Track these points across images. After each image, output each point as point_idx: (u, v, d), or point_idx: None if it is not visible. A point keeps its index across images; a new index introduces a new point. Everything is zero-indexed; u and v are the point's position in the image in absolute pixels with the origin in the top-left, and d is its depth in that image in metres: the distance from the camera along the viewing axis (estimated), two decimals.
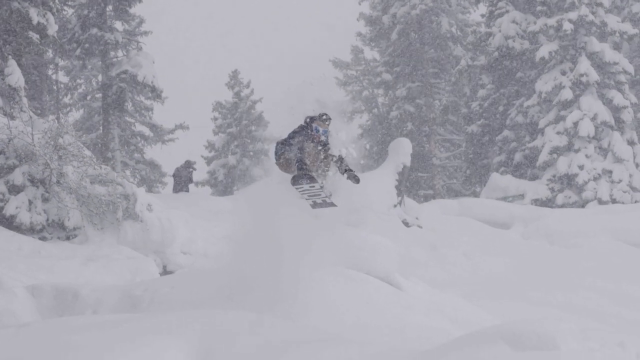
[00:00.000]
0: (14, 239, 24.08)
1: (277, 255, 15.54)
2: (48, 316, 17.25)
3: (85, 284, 18.99)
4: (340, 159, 14.63)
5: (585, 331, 11.30)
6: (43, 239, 25.65)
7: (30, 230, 25.49)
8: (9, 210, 25.36)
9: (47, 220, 25.93)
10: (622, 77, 48.00)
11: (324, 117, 14.70)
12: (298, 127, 14.68)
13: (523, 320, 12.96)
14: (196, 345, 12.05)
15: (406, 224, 35.24)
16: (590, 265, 29.94)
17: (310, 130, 14.47)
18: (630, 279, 27.12)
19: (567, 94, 46.69)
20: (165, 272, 26.47)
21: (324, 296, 15.46)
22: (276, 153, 14.62)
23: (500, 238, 34.84)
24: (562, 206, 45.25)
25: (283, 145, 14.58)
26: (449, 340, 12.52)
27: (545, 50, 47.27)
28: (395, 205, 35.77)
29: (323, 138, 14.57)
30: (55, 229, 26.09)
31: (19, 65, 28.19)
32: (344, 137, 15.05)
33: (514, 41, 49.67)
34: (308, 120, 14.73)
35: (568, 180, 46.30)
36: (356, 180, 14.62)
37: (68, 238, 26.06)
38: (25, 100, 27.93)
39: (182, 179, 38.81)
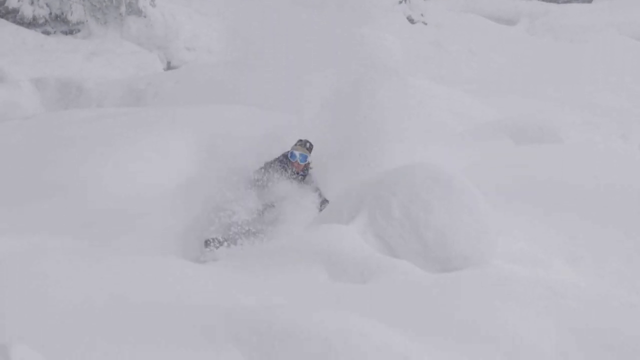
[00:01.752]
0: (17, 32, 23.86)
1: (282, 55, 15.40)
2: (52, 109, 17.29)
3: (89, 77, 18.94)
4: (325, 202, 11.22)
5: (588, 124, 11.33)
6: (46, 33, 25.41)
7: (33, 23, 25.24)
8: (12, 3, 25.08)
9: (50, 14, 25.64)
10: None
11: (303, 142, 11.51)
12: (279, 157, 11.60)
13: (527, 114, 12.99)
14: (200, 137, 12.12)
15: (411, 21, 34.79)
16: (596, 60, 29.75)
17: (287, 158, 11.42)
18: (635, 74, 27.00)
19: None
20: (169, 67, 26.33)
21: None
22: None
23: (505, 34, 34.48)
24: (569, 1, 44.50)
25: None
26: (452, 134, 12.60)
27: None
28: (400, 2, 35.21)
29: (300, 166, 11.38)
30: (58, 23, 25.81)
31: None
32: None
33: None
34: (286, 153, 11.60)
35: None
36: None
37: (71, 32, 25.83)
38: None
39: None
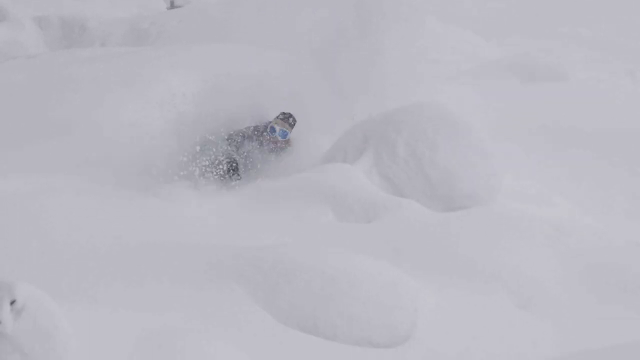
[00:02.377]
0: None
1: None
2: (55, 48, 17.19)
3: (92, 16, 18.80)
4: None
5: (595, 62, 11.24)
6: None
7: None
8: None
9: None
10: None
11: (286, 117, 10.11)
12: (254, 128, 10.25)
13: (533, 53, 12.87)
14: (203, 77, 12.05)
15: None
16: None
17: (265, 132, 10.00)
18: None
19: None
20: (172, 6, 26.11)
21: None
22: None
23: None
24: None
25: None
26: (459, 74, 12.51)
27: None
28: None
29: (279, 139, 10.03)
30: None
31: None
32: None
33: None
34: (265, 124, 10.28)
35: None
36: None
37: None
38: None
39: None
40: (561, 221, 8.48)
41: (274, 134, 9.90)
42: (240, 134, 9.90)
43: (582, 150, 9.73)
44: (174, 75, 11.70)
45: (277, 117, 10.04)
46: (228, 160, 9.54)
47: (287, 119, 10.02)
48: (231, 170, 9.52)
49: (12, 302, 4.51)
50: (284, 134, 9.94)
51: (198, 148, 9.55)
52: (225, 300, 6.86)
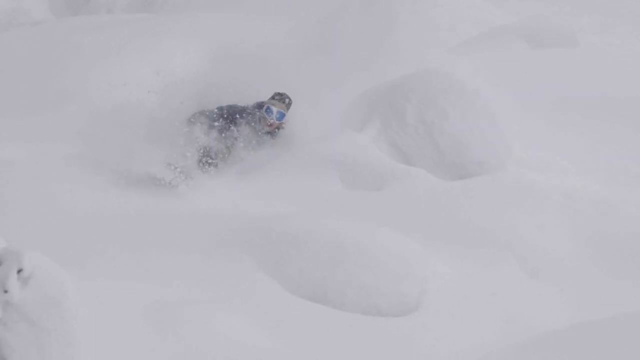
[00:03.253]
0: None
1: None
2: (61, 15, 17.10)
3: None
4: None
5: (605, 26, 11.10)
6: None
7: None
8: None
9: None
10: None
11: (282, 97, 9.41)
12: (244, 107, 9.48)
13: (543, 17, 12.73)
14: (209, 46, 11.98)
15: None
16: None
17: (260, 113, 9.30)
18: None
19: None
20: None
21: None
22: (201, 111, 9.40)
23: None
24: None
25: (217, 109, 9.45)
26: (467, 40, 12.40)
27: None
28: None
29: (274, 125, 9.33)
30: None
31: None
32: None
33: None
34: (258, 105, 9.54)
35: None
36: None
37: None
38: None
39: None
40: (572, 189, 8.41)
41: (270, 115, 9.24)
42: (235, 112, 9.25)
43: (594, 116, 9.61)
44: (178, 44, 11.61)
45: (273, 97, 9.39)
46: (201, 149, 8.95)
47: (284, 100, 9.36)
48: (205, 158, 8.92)
49: (19, 271, 4.47)
50: (281, 116, 9.30)
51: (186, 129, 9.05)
52: (233, 270, 6.84)
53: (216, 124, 9.08)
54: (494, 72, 10.65)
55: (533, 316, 7.02)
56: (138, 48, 11.38)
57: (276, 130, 9.34)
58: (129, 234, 7.13)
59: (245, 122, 9.19)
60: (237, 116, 9.18)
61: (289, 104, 9.37)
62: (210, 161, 8.92)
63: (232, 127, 9.15)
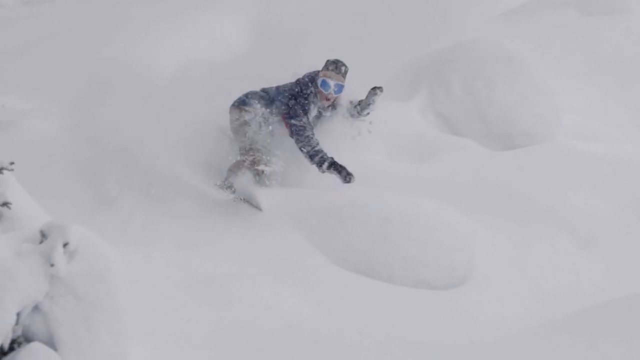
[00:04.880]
0: None
1: None
2: None
3: None
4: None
5: None
6: None
7: None
8: None
9: None
10: None
11: (338, 65, 7.84)
12: (296, 83, 7.96)
13: None
14: (253, 18, 11.94)
15: None
16: None
17: (314, 87, 7.81)
18: None
19: None
20: None
21: None
22: (242, 101, 7.91)
23: None
24: None
25: (259, 96, 7.96)
26: (513, 8, 12.19)
27: None
28: None
29: (333, 98, 7.91)
30: None
31: None
32: None
33: None
34: (308, 77, 7.95)
35: None
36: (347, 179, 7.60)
37: None
38: None
39: None
40: (622, 159, 8.26)
41: (327, 89, 7.75)
42: (284, 93, 7.86)
43: None
44: (222, 15, 11.56)
45: (326, 67, 7.83)
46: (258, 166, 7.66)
47: (339, 68, 7.82)
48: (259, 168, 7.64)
49: (65, 245, 4.47)
50: (339, 88, 7.79)
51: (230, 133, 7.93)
52: (280, 244, 6.80)
53: (266, 113, 7.80)
54: (542, 40, 10.49)
55: (583, 288, 6.92)
56: (182, 21, 11.35)
57: (335, 103, 7.96)
58: (174, 206, 7.13)
59: (302, 99, 7.78)
60: (289, 98, 7.79)
61: (346, 72, 7.86)
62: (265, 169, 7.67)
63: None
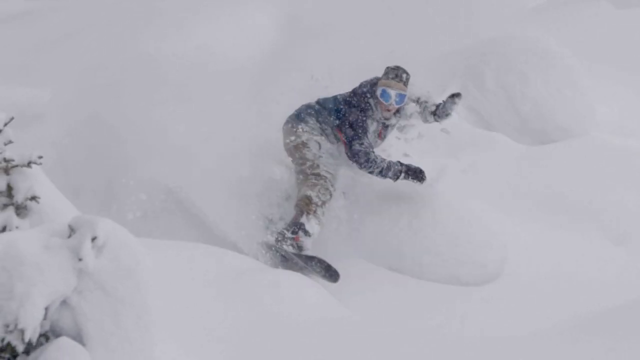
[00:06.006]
0: None
1: None
2: None
3: None
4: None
5: None
6: None
7: None
8: None
9: None
10: None
11: (399, 73, 7.04)
12: (352, 94, 7.14)
13: None
14: (284, 10, 11.89)
15: None
16: None
17: (373, 98, 7.01)
18: None
19: None
20: None
21: None
22: (295, 118, 7.15)
23: None
24: None
25: (315, 111, 7.16)
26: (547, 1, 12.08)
27: None
28: None
29: (395, 110, 7.11)
30: None
31: None
32: None
33: None
34: (365, 87, 7.12)
35: None
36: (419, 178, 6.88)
37: None
38: None
39: None
40: None
41: (388, 100, 6.92)
42: (340, 106, 7.07)
43: None
44: (255, 7, 11.51)
45: (386, 74, 7.01)
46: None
47: (400, 76, 7.00)
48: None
49: (94, 239, 4.43)
50: (401, 98, 6.99)
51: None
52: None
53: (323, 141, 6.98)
54: (575, 34, 10.37)
55: (619, 285, 6.82)
56: (214, 13, 11.31)
57: (397, 113, 7.16)
58: (202, 200, 7.10)
59: (359, 121, 6.93)
60: (345, 112, 7.00)
61: (407, 79, 7.06)
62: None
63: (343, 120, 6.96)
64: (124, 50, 10.17)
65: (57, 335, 4.33)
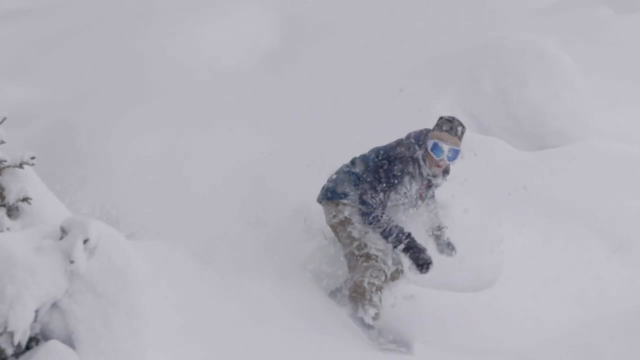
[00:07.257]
0: None
1: None
2: None
3: None
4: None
5: None
6: None
7: None
8: None
9: None
10: None
11: (454, 125, 6.33)
12: (396, 144, 6.48)
13: None
14: (284, 10, 11.88)
15: None
16: None
17: (423, 151, 6.33)
18: None
19: None
20: None
21: None
22: (334, 192, 6.42)
23: None
24: None
25: (355, 176, 6.43)
26: (546, 4, 12.09)
27: None
28: None
29: (445, 166, 6.42)
30: None
31: None
32: None
33: None
34: (414, 137, 6.43)
35: None
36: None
37: None
38: None
39: None
40: None
41: (439, 155, 6.23)
42: (380, 156, 6.35)
43: None
44: (257, 10, 11.49)
45: (439, 127, 6.29)
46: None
47: (455, 129, 6.29)
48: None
49: (85, 241, 4.39)
50: (454, 154, 6.29)
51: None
52: (304, 240, 6.73)
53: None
54: (574, 38, 10.37)
55: (613, 292, 6.79)
56: (216, 12, 11.28)
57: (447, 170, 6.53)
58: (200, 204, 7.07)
59: (408, 178, 6.30)
60: (381, 165, 6.30)
61: (463, 133, 6.34)
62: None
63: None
64: (119, 52, 10.15)
65: (47, 338, 4.29)
